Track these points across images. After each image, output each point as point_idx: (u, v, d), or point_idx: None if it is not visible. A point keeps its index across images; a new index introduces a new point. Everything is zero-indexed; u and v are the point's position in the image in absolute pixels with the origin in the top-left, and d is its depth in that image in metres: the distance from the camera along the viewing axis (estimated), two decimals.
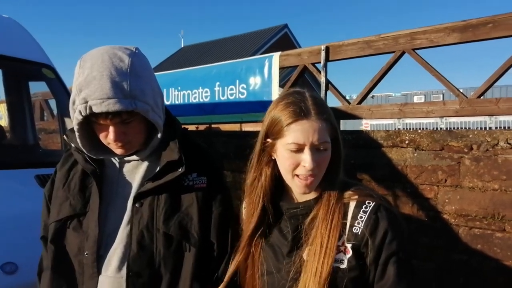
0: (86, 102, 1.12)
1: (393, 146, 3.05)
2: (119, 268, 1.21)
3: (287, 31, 20.24)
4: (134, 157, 1.29)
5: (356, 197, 1.08)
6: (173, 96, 5.09)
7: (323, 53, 3.82)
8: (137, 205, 1.23)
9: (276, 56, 4.18)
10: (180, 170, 1.23)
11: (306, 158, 1.04)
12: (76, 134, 1.22)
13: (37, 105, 4.72)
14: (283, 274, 1.09)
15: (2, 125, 2.98)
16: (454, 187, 2.61)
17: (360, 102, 3.72)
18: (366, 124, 14.16)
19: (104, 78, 1.11)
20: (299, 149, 1.04)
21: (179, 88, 5.03)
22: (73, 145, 1.28)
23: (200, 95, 4.77)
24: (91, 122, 1.21)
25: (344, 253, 1.04)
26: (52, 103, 4.76)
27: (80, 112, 1.14)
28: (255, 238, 1.15)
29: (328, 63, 3.89)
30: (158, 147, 1.28)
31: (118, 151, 1.24)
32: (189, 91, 4.91)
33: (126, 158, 1.29)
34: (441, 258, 2.62)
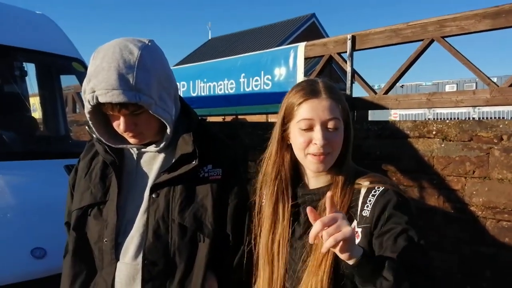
0: (94, 91, 1.16)
1: (420, 137, 2.99)
2: (136, 255, 1.25)
3: (314, 21, 19.97)
4: (152, 148, 1.32)
5: (367, 183, 1.10)
6: (199, 88, 5.15)
7: (349, 43, 3.77)
8: (153, 195, 1.26)
9: (301, 46, 4.15)
10: (193, 162, 1.26)
11: (316, 135, 1.07)
12: (89, 122, 1.27)
13: (69, 98, 4.88)
14: (295, 257, 1.13)
15: (36, 117, 3.11)
16: (482, 179, 2.54)
17: (387, 92, 3.66)
18: (395, 114, 13.85)
19: (111, 69, 1.14)
20: (310, 127, 1.08)
21: (205, 80, 5.08)
22: (94, 136, 1.33)
23: (225, 87, 4.81)
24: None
25: (355, 238, 1.04)
26: None
27: (89, 102, 1.18)
28: (276, 222, 1.17)
29: (355, 52, 3.84)
30: (174, 138, 1.30)
31: (132, 140, 1.28)
32: (214, 83, 4.95)
33: (143, 150, 1.33)
34: (468, 250, 2.57)
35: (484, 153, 2.55)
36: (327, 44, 4.01)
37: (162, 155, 1.33)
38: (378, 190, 1.07)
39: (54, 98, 3.15)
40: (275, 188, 1.18)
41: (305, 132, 1.08)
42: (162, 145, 1.30)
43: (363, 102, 3.75)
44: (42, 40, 2.90)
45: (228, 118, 5.55)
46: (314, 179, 1.17)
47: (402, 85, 15.60)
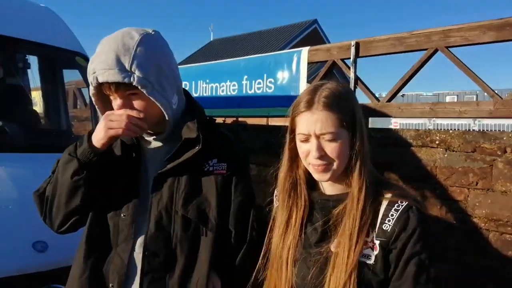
0: (94, 72, 1.20)
1: (422, 146, 2.98)
2: (139, 245, 1.24)
3: (316, 27, 20.04)
4: (153, 138, 1.33)
5: (390, 195, 1.08)
6: (201, 89, 5.12)
7: (353, 49, 3.77)
8: (157, 186, 1.26)
9: (305, 50, 4.14)
10: (197, 147, 1.25)
11: (311, 147, 1.09)
12: (96, 106, 1.30)
13: (70, 93, 4.84)
14: (308, 263, 1.10)
15: (38, 111, 3.07)
16: (486, 191, 2.53)
17: (389, 100, 3.66)
18: (395, 123, 13.90)
19: (110, 51, 1.19)
20: (307, 139, 1.09)
21: (207, 80, 5.06)
22: None
23: (227, 88, 4.79)
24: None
25: (372, 249, 1.04)
26: (85, 91, 4.88)
27: (91, 83, 1.22)
28: (289, 226, 1.16)
29: (359, 59, 3.84)
30: (178, 128, 1.30)
31: (132, 133, 1.27)
32: (217, 84, 4.93)
33: (148, 139, 1.33)
34: (470, 262, 2.55)
35: (488, 164, 2.54)
36: (331, 50, 4.01)
37: (167, 146, 1.32)
38: (401, 205, 1.05)
39: (56, 91, 3.12)
40: (289, 194, 1.18)
41: (304, 144, 1.10)
42: (164, 134, 1.30)
43: (365, 109, 3.74)
44: (45, 33, 2.88)
45: (229, 120, 5.53)
46: (329, 185, 1.16)
47: (403, 95, 15.67)
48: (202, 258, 1.23)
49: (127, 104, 1.22)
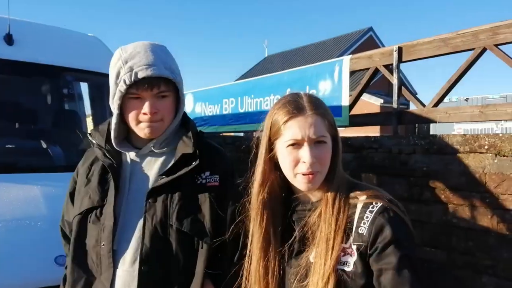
0: (132, 70, 1.23)
1: (470, 152, 2.79)
2: (133, 262, 1.25)
3: (372, 34, 19.61)
4: (151, 148, 1.32)
5: (364, 197, 1.03)
6: (247, 104, 5.20)
7: (395, 54, 3.64)
8: (150, 200, 1.26)
9: (346, 59, 4.06)
10: (194, 163, 1.26)
11: (304, 154, 1.02)
12: (115, 112, 1.29)
13: None
14: (290, 276, 1.07)
15: (83, 133, 3.30)
16: None
17: (436, 105, 3.47)
18: (459, 129, 13.11)
19: (148, 51, 1.27)
20: (297, 145, 1.04)
21: (252, 96, 5.12)
22: (94, 141, 1.37)
23: (271, 102, 4.81)
24: (124, 110, 1.29)
25: (351, 255, 0.99)
26: None
27: (125, 81, 1.23)
28: (267, 248, 1.12)
29: (405, 64, 3.70)
30: (173, 141, 1.33)
31: (147, 130, 1.28)
32: (261, 99, 4.98)
33: (142, 153, 1.34)
34: None
35: None
36: (373, 57, 3.91)
37: (160, 160, 1.34)
38: (376, 206, 1.00)
39: (104, 115, 3.32)
40: (264, 211, 1.11)
41: (293, 151, 1.04)
42: (162, 138, 1.31)
43: (410, 116, 3.59)
44: (93, 60, 3.08)
45: None
46: (309, 194, 1.12)
47: (467, 99, 14.75)
48: (198, 269, 1.24)
49: (154, 105, 1.27)
